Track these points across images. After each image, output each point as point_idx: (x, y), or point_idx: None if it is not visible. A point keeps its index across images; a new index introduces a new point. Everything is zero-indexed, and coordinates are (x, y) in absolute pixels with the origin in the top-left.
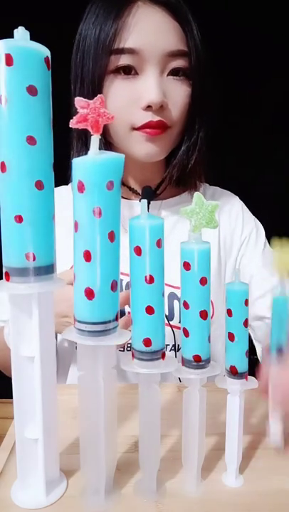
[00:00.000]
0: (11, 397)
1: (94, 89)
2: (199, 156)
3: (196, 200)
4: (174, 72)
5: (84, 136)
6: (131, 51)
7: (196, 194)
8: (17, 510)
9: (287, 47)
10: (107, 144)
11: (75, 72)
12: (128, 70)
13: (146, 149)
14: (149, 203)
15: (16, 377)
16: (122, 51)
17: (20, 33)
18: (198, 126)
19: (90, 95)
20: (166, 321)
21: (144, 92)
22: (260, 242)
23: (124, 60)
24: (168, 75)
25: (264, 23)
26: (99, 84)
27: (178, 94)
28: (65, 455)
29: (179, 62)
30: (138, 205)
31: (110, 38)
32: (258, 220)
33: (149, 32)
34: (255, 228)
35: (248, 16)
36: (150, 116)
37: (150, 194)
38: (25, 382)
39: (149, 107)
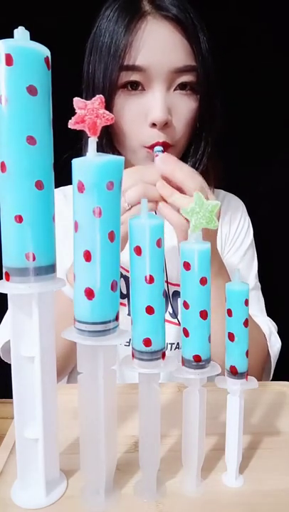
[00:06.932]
0: (11, 397)
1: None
2: (208, 164)
3: (196, 200)
4: (182, 87)
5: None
6: (139, 69)
7: (196, 193)
8: (17, 510)
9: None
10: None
11: (87, 79)
12: (136, 86)
13: None
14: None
15: (16, 377)
16: (131, 68)
17: (20, 33)
18: (205, 139)
19: None
20: (176, 320)
21: (150, 108)
22: (242, 248)
23: (132, 77)
24: (175, 89)
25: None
26: (110, 97)
27: (184, 109)
28: (65, 455)
29: (186, 78)
30: None
31: (120, 54)
32: (251, 228)
33: (157, 49)
34: (249, 240)
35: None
36: (156, 137)
37: None
38: (25, 382)
39: (154, 125)
